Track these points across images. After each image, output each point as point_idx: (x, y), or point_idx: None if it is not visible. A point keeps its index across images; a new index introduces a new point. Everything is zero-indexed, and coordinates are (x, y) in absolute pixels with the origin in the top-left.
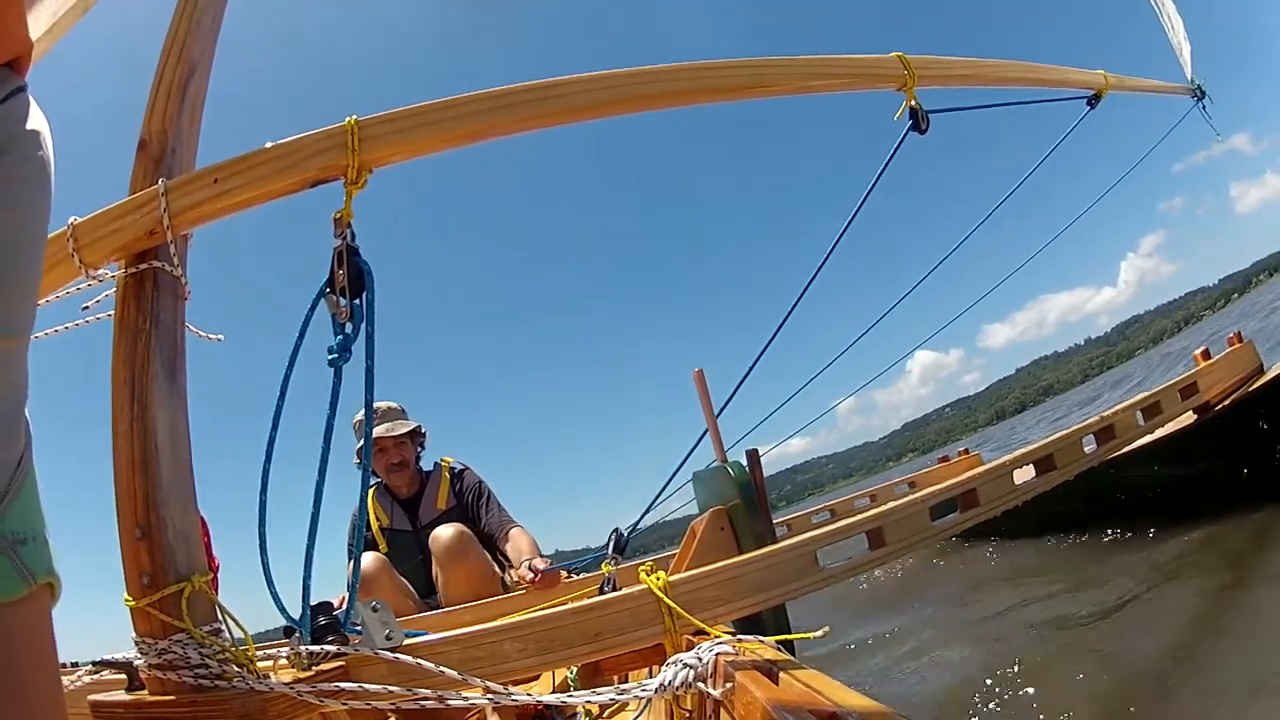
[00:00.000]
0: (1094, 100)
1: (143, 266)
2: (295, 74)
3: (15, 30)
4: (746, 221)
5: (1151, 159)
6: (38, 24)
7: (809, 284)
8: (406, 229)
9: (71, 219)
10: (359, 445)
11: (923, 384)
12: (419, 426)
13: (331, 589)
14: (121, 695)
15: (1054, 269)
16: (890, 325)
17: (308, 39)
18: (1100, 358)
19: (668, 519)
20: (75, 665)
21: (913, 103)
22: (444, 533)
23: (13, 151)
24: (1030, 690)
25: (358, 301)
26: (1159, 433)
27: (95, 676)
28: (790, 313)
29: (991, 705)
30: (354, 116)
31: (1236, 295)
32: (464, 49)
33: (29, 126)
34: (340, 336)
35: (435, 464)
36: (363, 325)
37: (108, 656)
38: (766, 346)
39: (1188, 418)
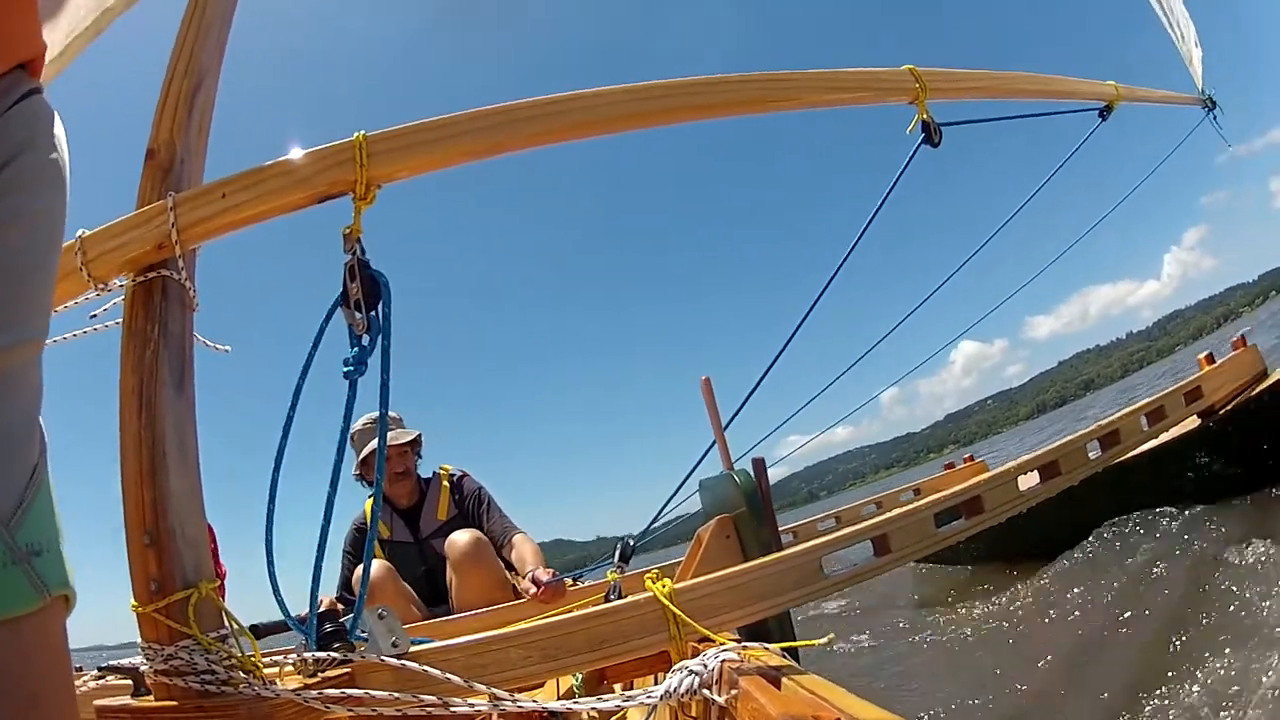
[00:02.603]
0: (1105, 112)
1: (151, 275)
2: (293, 85)
3: (27, 32)
4: (765, 222)
5: (1195, 153)
6: (53, 40)
7: (821, 294)
8: (415, 209)
9: (81, 232)
10: (360, 457)
11: (966, 374)
12: (419, 435)
13: (322, 593)
14: (127, 700)
15: (1098, 260)
16: (933, 314)
17: (301, 53)
18: (1141, 352)
19: (675, 521)
20: (80, 670)
21: (925, 116)
22: (460, 538)
23: (28, 154)
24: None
25: (374, 313)
26: (1163, 437)
27: (101, 682)
28: (800, 325)
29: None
30: (362, 132)
31: (1275, 292)
32: (444, 61)
33: (44, 129)
34: (356, 349)
35: (434, 472)
36: (379, 338)
37: (113, 662)
38: (775, 360)
39: (1192, 422)
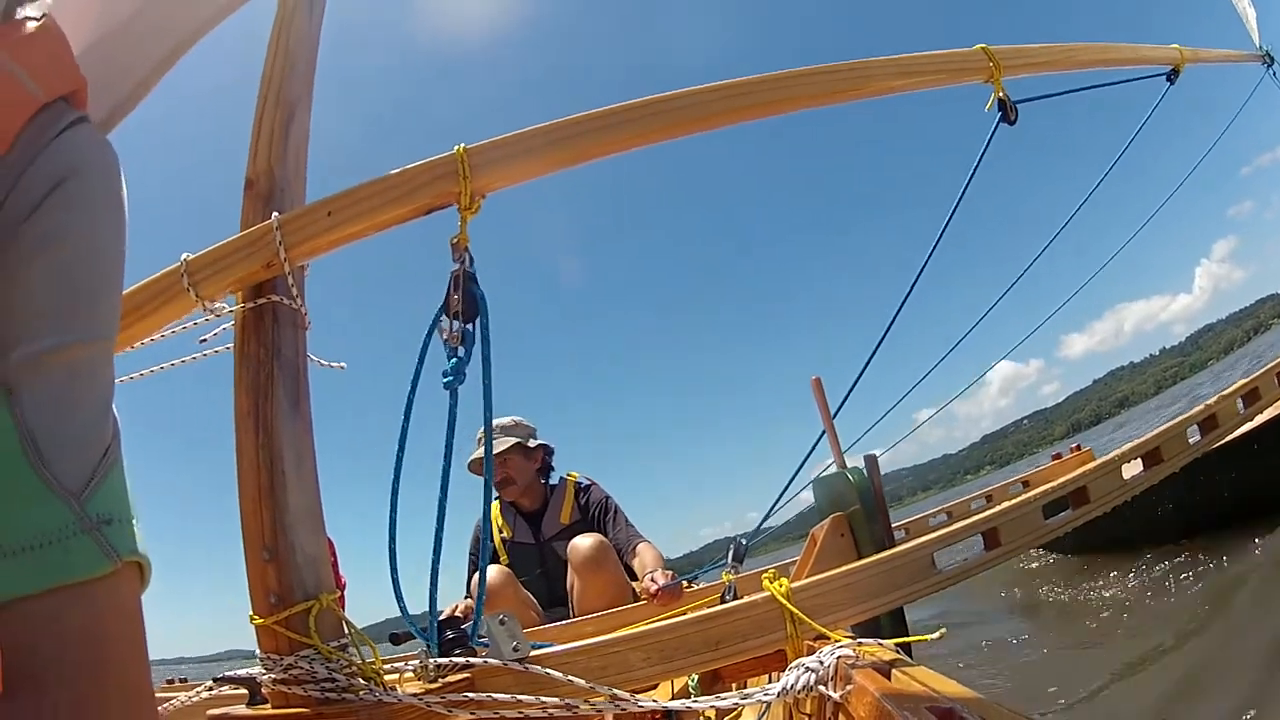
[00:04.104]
0: (1173, 75)
1: (261, 301)
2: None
3: (65, 69)
4: (853, 220)
5: (1221, 163)
6: (130, 72)
7: (913, 285)
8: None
9: (185, 255)
10: (472, 456)
11: (1002, 395)
12: (521, 441)
13: (447, 596)
14: (242, 710)
15: (1130, 276)
16: (968, 337)
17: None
18: (1174, 368)
19: (775, 527)
20: (185, 680)
21: (1001, 94)
22: (583, 542)
23: (76, 178)
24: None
25: (469, 327)
26: (1259, 419)
27: (213, 692)
28: (895, 317)
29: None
30: (462, 145)
31: None
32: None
33: (91, 154)
34: (454, 360)
35: (561, 479)
36: (475, 349)
37: (227, 673)
38: (874, 352)
39: None
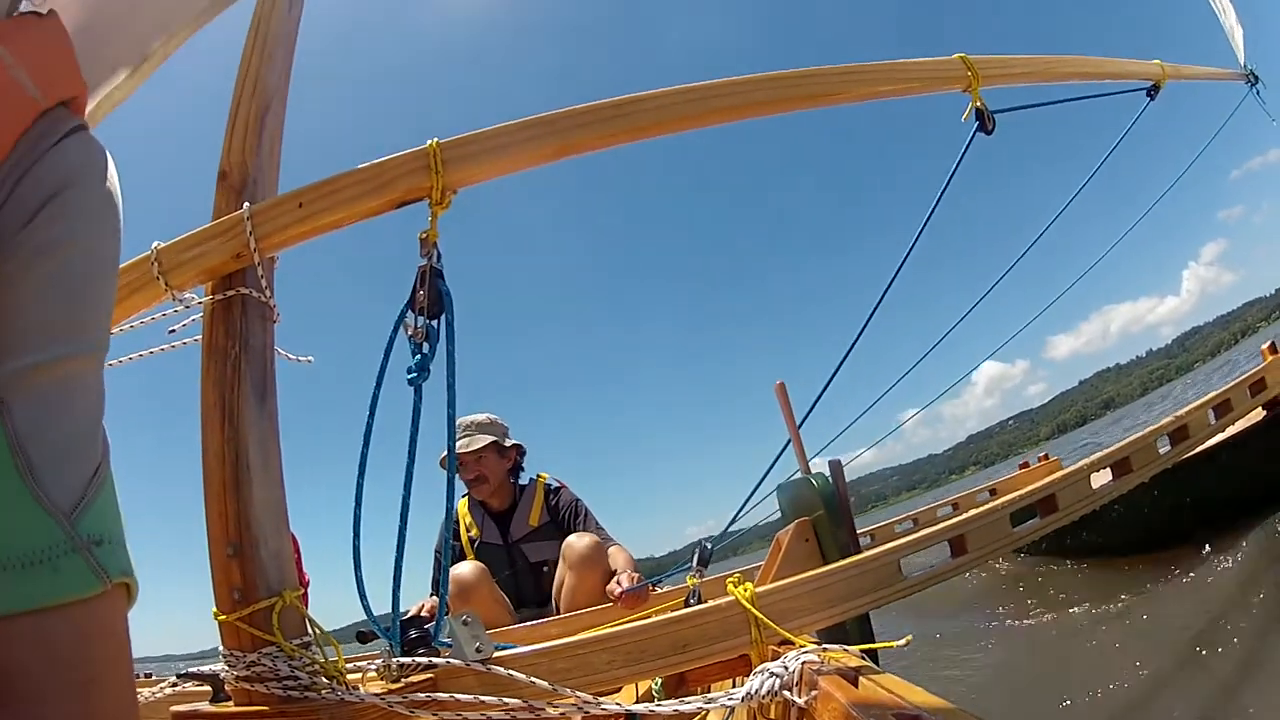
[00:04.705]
0: (1153, 91)
1: (230, 293)
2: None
3: (67, 73)
4: (823, 230)
5: (1211, 167)
6: (113, 71)
7: (885, 292)
8: (485, 227)
9: (155, 244)
10: (443, 454)
11: (988, 395)
12: (497, 440)
13: (416, 592)
14: (205, 706)
15: (1119, 278)
16: (956, 336)
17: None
18: (1160, 370)
19: (758, 524)
20: (150, 676)
21: (978, 104)
22: (579, 541)
23: (75, 186)
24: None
25: (434, 323)
26: (1229, 430)
27: (177, 689)
28: (867, 323)
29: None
30: (435, 139)
31: None
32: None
33: (90, 162)
34: (419, 356)
35: (531, 480)
36: (439, 345)
37: (191, 669)
38: (845, 358)
39: (1257, 414)
